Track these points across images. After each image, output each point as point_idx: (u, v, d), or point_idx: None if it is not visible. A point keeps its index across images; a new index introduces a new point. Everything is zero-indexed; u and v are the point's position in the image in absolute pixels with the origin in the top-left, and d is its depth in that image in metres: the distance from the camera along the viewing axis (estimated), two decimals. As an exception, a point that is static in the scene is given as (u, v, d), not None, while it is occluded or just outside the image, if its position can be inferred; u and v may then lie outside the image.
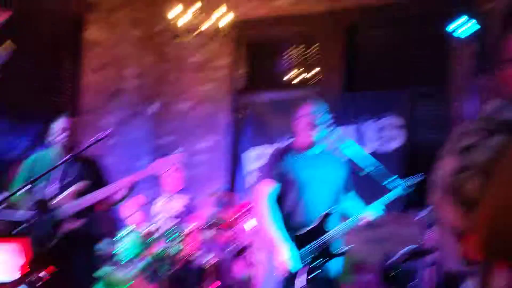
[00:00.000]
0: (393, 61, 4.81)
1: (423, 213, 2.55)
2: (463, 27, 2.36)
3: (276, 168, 2.88)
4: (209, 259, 4.04)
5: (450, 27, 2.38)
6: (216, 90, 5.45)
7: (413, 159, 4.52)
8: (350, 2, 4.88)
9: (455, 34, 2.42)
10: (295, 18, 5.12)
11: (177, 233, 3.92)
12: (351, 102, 4.77)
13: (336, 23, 4.95)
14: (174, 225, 3.97)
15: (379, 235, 4.58)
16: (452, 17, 2.38)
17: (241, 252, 4.14)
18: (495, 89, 1.22)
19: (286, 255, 2.71)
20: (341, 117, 4.72)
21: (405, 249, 2.69)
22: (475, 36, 2.37)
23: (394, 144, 4.58)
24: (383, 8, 4.72)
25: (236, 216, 4.24)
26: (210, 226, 4.13)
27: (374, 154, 4.56)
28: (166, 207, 4.26)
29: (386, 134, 4.61)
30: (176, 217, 4.16)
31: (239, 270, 4.15)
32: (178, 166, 3.93)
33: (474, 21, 2.38)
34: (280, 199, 2.89)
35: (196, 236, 4.04)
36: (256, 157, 5.06)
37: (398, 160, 4.50)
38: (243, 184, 5.08)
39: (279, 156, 2.93)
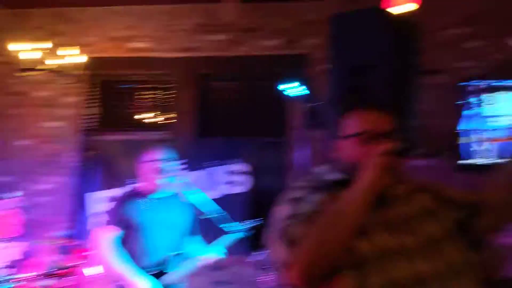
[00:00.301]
0: (242, 111, 5.15)
1: (259, 255, 2.76)
2: (295, 88, 2.68)
3: (120, 213, 2.88)
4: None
5: (283, 86, 2.70)
6: (63, 128, 5.24)
7: (257, 203, 4.83)
8: (204, 51, 5.14)
9: (289, 93, 2.73)
10: (151, 62, 5.22)
11: (11, 283, 3.62)
12: (202, 148, 4.95)
13: (191, 70, 5.16)
14: (8, 274, 3.66)
15: (223, 277, 4.74)
16: (286, 77, 2.70)
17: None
18: (328, 154, 1.52)
19: (147, 286, 2.72)
20: (192, 162, 4.88)
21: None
22: (304, 96, 2.71)
23: (241, 189, 4.84)
24: (233, 61, 5.06)
25: (78, 262, 4.06)
26: (49, 274, 3.88)
27: (222, 198, 4.78)
28: (0, 254, 3.92)
29: (234, 179, 4.87)
30: (11, 265, 3.84)
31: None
32: (15, 208, 3.67)
33: (304, 83, 2.72)
34: (124, 244, 2.88)
35: (33, 285, 3.77)
36: (103, 200, 4.92)
37: (244, 204, 4.76)
38: (87, 229, 4.88)
39: (124, 200, 2.93)
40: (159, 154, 2.99)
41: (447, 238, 1.35)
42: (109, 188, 4.95)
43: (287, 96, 2.74)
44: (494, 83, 4.41)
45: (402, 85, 2.31)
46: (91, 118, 5.36)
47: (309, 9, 4.97)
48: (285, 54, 4.91)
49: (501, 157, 4.32)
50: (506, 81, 4.41)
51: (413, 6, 3.86)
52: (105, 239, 2.84)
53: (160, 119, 5.38)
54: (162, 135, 5.20)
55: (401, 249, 1.29)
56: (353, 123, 1.45)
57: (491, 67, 4.63)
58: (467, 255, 1.34)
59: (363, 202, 1.29)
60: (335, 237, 1.25)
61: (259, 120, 5.07)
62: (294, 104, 4.49)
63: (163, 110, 5.37)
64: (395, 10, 2.95)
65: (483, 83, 4.42)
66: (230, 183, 4.86)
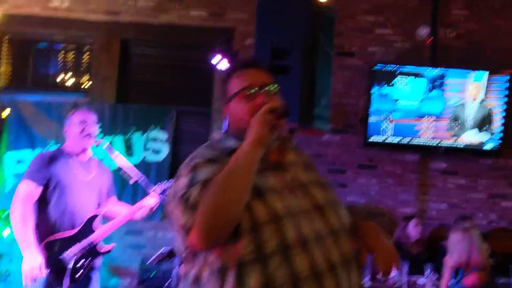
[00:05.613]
0: (165, 79, 5.19)
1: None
2: (221, 60, 2.81)
3: (42, 172, 2.87)
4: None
5: (213, 60, 2.81)
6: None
7: (175, 170, 4.93)
8: (127, 17, 5.06)
9: (217, 66, 2.85)
10: (71, 22, 5.05)
11: None
12: (121, 113, 4.93)
13: (112, 34, 5.07)
14: None
15: (138, 241, 4.84)
16: (213, 49, 2.81)
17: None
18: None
19: (32, 263, 2.69)
20: (110, 127, 4.85)
21: (159, 251, 2.97)
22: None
23: (159, 156, 4.92)
24: (159, 28, 5.04)
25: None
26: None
27: (140, 164, 4.83)
28: None
29: (152, 146, 4.93)
30: None
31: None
32: None
33: (230, 56, 2.85)
34: (46, 203, 2.88)
35: None
36: (17, 162, 4.77)
37: (162, 170, 4.85)
38: (2, 190, 4.73)
39: (47, 160, 2.92)
40: (86, 116, 3.00)
41: (328, 206, 1.46)
42: (22, 148, 4.79)
43: (213, 67, 2.86)
44: (401, 68, 4.83)
45: (314, 67, 2.53)
46: (2, 76, 5.13)
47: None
48: (211, 26, 4.98)
49: (399, 136, 4.78)
50: (412, 67, 4.84)
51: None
52: (22, 197, 2.81)
53: (79, 81, 5.26)
54: (78, 98, 5.11)
55: (292, 212, 1.38)
56: (235, 83, 1.54)
57: (398, 53, 5.06)
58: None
59: (252, 159, 1.35)
60: (230, 198, 1.30)
61: (183, 89, 5.14)
62: (219, 77, 4.62)
63: (83, 72, 5.26)
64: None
65: (391, 68, 4.83)
66: (149, 149, 4.91)
